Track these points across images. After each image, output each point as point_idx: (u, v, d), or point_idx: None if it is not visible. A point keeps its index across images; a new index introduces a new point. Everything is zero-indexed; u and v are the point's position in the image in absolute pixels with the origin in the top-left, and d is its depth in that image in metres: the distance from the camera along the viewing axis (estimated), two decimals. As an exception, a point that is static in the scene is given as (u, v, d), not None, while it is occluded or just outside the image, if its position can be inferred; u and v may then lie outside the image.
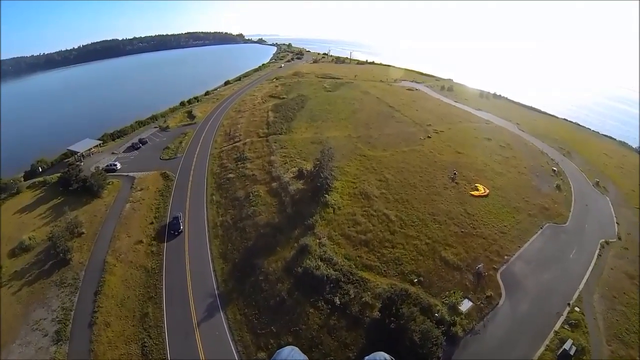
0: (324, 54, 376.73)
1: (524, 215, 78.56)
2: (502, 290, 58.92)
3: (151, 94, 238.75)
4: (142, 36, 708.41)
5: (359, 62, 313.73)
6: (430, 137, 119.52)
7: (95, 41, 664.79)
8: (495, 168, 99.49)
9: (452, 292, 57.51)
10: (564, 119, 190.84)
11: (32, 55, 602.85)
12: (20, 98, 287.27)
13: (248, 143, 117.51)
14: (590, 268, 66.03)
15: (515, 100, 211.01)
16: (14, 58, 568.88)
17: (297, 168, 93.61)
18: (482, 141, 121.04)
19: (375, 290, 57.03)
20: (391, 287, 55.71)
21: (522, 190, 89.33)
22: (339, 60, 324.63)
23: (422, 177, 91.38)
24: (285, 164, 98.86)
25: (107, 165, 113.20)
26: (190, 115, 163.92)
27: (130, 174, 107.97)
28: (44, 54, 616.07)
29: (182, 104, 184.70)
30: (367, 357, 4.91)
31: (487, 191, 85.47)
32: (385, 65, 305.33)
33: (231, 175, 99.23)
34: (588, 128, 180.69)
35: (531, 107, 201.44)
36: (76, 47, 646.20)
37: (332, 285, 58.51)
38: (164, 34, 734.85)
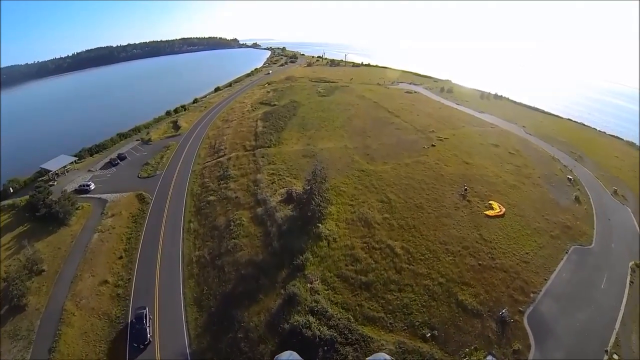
0: (319, 57, 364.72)
1: (546, 238, 67.65)
2: (531, 339, 48.08)
3: (138, 103, 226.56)
4: (136, 43, 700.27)
5: (355, 65, 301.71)
6: (434, 146, 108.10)
7: (89, 48, 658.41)
8: (508, 180, 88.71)
9: (472, 348, 46.22)
10: (568, 119, 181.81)
11: (26, 64, 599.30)
12: (4, 109, 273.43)
13: (233, 158, 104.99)
14: (624, 300, 56.42)
15: (517, 100, 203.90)
16: (8, 67, 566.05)
17: (285, 189, 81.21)
18: (490, 148, 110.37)
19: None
20: (399, 347, 44.99)
21: (540, 205, 78.79)
22: (333, 63, 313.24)
23: (429, 195, 79.48)
24: (272, 183, 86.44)
25: (80, 186, 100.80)
26: (175, 126, 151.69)
27: (104, 196, 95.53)
28: (37, 62, 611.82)
29: (168, 113, 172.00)
30: (368, 358, 6.58)
31: (503, 209, 74.23)
32: (381, 67, 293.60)
33: (212, 198, 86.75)
34: (594, 128, 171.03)
35: (534, 107, 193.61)
36: (70, 54, 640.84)
37: (326, 348, 45.93)
38: (158, 40, 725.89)
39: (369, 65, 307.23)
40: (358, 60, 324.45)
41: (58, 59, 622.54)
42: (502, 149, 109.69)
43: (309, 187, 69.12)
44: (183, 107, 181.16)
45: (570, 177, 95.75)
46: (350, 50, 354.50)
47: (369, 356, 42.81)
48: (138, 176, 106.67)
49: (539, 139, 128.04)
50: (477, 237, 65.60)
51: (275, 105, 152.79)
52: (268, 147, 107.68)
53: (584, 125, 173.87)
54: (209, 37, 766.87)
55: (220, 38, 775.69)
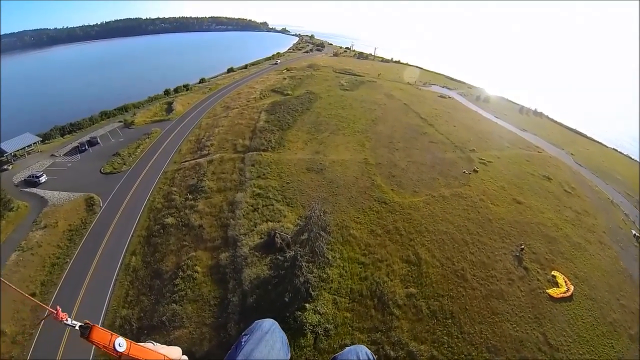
0: (347, 48, 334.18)
1: (624, 341, 44.41)
2: None
3: (142, 79, 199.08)
4: (166, 17, 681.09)
5: (383, 60, 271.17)
6: (476, 171, 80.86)
7: (118, 19, 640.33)
8: (570, 234, 63.05)
9: None
10: (614, 149, 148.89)
11: (55, 29, 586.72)
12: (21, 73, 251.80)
13: (216, 161, 78.52)
14: None
15: (557, 119, 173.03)
16: (36, 30, 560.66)
17: (268, 227, 54.10)
18: (542, 181, 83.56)
19: None
20: None
21: (613, 281, 54.45)
22: (361, 55, 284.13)
23: (475, 254, 53.28)
24: (254, 210, 59.61)
25: (29, 177, 78.66)
26: (169, 109, 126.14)
27: (49, 194, 72.72)
28: (66, 27, 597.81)
29: (167, 92, 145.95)
30: (347, 348, 3.70)
31: (571, 288, 49.85)
32: (412, 65, 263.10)
33: (170, 221, 60.55)
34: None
35: (575, 130, 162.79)
36: (99, 23, 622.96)
37: None
38: (188, 16, 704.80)
39: (399, 62, 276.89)
40: (388, 56, 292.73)
41: (86, 26, 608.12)
42: (555, 185, 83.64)
43: (295, 251, 41.60)
44: (186, 86, 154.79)
45: (635, 232, 71.64)
46: (380, 47, 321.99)
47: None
48: (100, 170, 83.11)
49: (591, 173, 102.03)
50: (540, 340, 41.55)
51: (288, 94, 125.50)
52: (264, 150, 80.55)
53: (630, 158, 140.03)
54: (239, 18, 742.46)
55: (249, 20, 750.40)
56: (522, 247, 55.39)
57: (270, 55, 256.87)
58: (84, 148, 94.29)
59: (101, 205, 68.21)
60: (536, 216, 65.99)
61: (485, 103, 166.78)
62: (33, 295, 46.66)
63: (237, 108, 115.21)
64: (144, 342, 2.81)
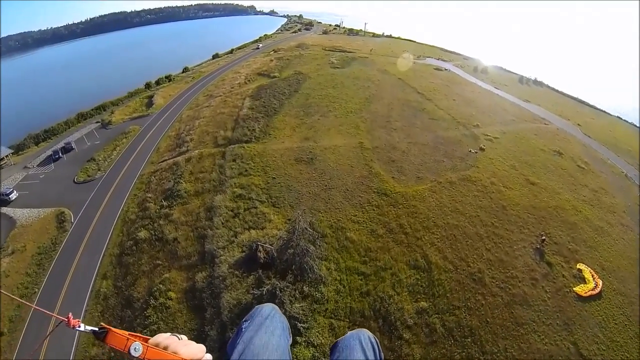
0: (336, 25, 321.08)
1: None
2: None
3: (124, 73, 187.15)
4: (151, 8, 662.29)
5: (375, 35, 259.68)
6: (483, 149, 72.55)
7: (103, 14, 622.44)
8: (590, 217, 55.82)
9: None
10: (618, 117, 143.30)
11: (40, 30, 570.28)
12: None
13: (194, 158, 69.94)
14: None
15: (558, 88, 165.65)
16: (20, 33, 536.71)
17: (250, 236, 45.92)
18: (553, 158, 75.62)
19: None
20: None
21: None
22: (351, 32, 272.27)
23: (491, 250, 45.70)
24: (235, 217, 51.38)
25: None
26: (149, 103, 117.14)
27: (18, 212, 65.41)
28: (51, 28, 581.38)
29: (148, 85, 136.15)
30: (349, 332, 3.99)
31: (599, 283, 42.84)
32: (405, 39, 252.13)
33: (143, 235, 52.44)
34: None
35: (578, 99, 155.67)
36: (83, 20, 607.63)
37: None
38: (173, 5, 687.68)
39: (390, 36, 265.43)
40: (379, 31, 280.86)
41: (71, 24, 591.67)
42: (567, 160, 76.02)
43: (273, 285, 33.75)
44: (168, 77, 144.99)
45: (655, 209, 63.42)
46: (371, 22, 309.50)
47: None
48: (74, 180, 75.12)
49: (601, 145, 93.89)
50: (572, 352, 34.81)
51: (275, 77, 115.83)
52: (247, 141, 71.78)
53: (635, 125, 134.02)
54: (225, 4, 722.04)
55: (236, 4, 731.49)
56: (544, 237, 47.69)
57: (257, 38, 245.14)
58: (57, 156, 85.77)
59: (72, 220, 60.56)
60: (553, 198, 58.51)
61: (483, 74, 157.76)
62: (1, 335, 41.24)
63: (220, 96, 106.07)
64: (168, 334, 2.62)
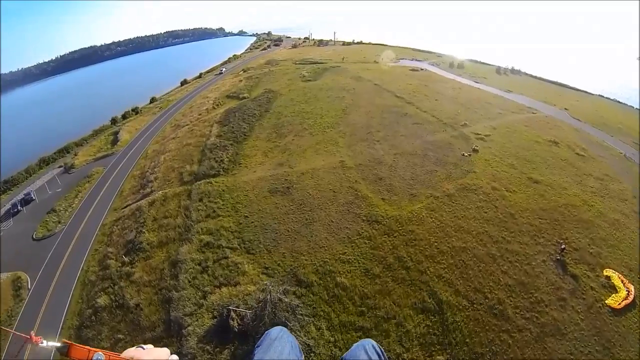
0: (305, 38, 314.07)
1: None
2: None
3: (91, 110, 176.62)
4: (121, 40, 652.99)
5: (345, 43, 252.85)
6: (477, 150, 65.48)
7: (73, 50, 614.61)
8: (603, 210, 49.80)
9: None
10: (599, 95, 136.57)
11: (11, 72, 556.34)
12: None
13: (158, 201, 61.25)
14: None
15: (536, 74, 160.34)
16: None
17: (222, 296, 37.53)
18: (550, 148, 69.31)
19: None
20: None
21: None
22: (321, 42, 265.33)
23: (509, 272, 38.53)
24: (202, 272, 42.75)
25: None
26: (114, 140, 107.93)
27: None
28: (22, 68, 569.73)
29: (114, 121, 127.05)
30: (354, 345, 4.07)
31: (631, 289, 36.31)
32: (376, 44, 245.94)
33: (102, 301, 43.70)
34: (631, 106, 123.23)
35: (557, 82, 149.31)
36: (54, 58, 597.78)
37: None
38: (143, 35, 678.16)
39: (361, 42, 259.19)
40: (349, 39, 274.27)
41: (42, 63, 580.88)
42: (565, 149, 69.73)
43: None
44: (135, 110, 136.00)
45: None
46: (340, 30, 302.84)
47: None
48: (33, 236, 65.58)
49: (593, 128, 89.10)
50: None
51: (244, 98, 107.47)
52: (215, 175, 63.15)
53: (618, 102, 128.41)
54: (194, 28, 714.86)
55: (205, 28, 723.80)
56: (563, 246, 40.54)
57: (226, 59, 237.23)
58: (16, 209, 76.22)
59: (29, 286, 51.74)
60: (561, 196, 51.62)
61: (460, 69, 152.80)
62: None
63: (187, 125, 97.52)
64: (134, 346, 2.73)
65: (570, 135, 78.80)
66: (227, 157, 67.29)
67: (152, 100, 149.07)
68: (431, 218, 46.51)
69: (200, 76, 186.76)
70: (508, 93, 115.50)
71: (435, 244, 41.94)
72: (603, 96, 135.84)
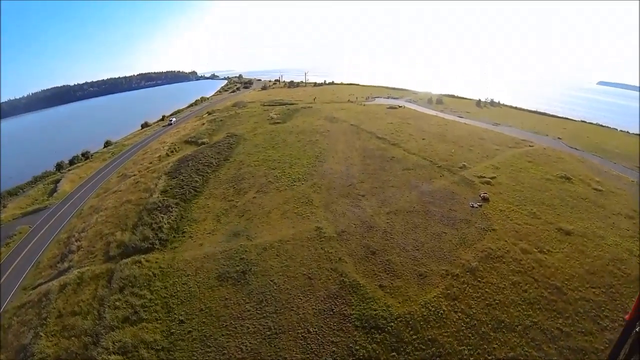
0: (276, 80, 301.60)
1: None
2: None
3: (39, 153, 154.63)
4: (94, 81, 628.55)
5: (317, 85, 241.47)
6: (487, 199, 51.95)
7: (45, 88, 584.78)
8: None
9: None
10: (582, 121, 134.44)
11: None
12: None
13: (71, 285, 42.74)
14: None
15: (514, 105, 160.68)
16: None
17: None
18: (564, 186, 58.86)
19: None
20: None
21: None
22: (292, 84, 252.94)
23: None
24: None
25: None
26: (53, 189, 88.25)
27: None
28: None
29: (59, 167, 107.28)
30: None
31: None
32: (347, 84, 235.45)
33: None
34: (614, 128, 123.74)
35: (537, 111, 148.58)
36: (25, 95, 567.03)
37: None
38: (116, 77, 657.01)
39: (332, 83, 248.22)
40: (320, 80, 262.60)
41: (13, 100, 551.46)
42: (580, 185, 59.84)
43: None
44: (85, 155, 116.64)
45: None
46: (311, 73, 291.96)
47: None
48: None
49: (593, 155, 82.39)
50: None
51: (203, 143, 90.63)
52: (149, 249, 45.30)
53: (600, 125, 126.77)
54: (167, 71, 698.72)
55: (178, 71, 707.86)
56: (638, 328, 23.56)
57: (193, 101, 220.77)
58: None
59: None
60: (602, 249, 40.77)
61: (440, 105, 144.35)
62: None
63: (134, 175, 79.81)
64: None
65: (578, 168, 69.17)
66: (168, 223, 49.69)
67: (107, 144, 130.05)
68: (455, 312, 30.69)
69: (163, 119, 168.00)
70: (496, 126, 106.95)
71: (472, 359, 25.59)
72: (585, 121, 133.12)
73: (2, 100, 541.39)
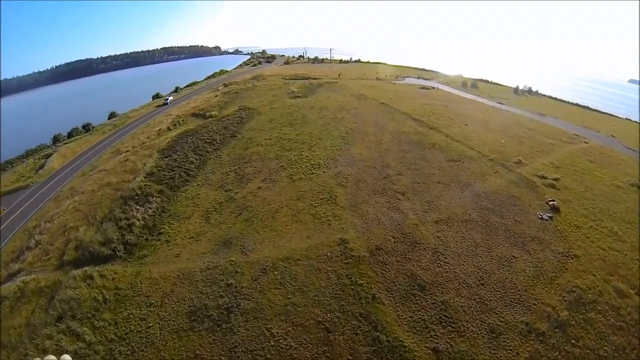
0: (300, 56, 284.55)
1: None
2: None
3: (50, 126, 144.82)
4: (117, 54, 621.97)
5: (342, 61, 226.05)
6: (558, 210, 38.38)
7: (69, 61, 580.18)
8: None
9: None
10: (627, 119, 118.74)
11: (5, 79, 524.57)
12: None
13: (10, 299, 30.86)
14: None
15: (555, 96, 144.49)
16: None
17: None
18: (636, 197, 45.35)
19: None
20: None
21: None
22: (316, 60, 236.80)
23: None
24: None
25: None
26: (41, 165, 77.05)
27: None
28: (16, 77, 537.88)
29: (55, 139, 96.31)
30: None
31: None
32: (374, 62, 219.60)
33: None
34: None
35: (578, 104, 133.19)
36: (49, 68, 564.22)
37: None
38: (139, 50, 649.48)
39: (358, 61, 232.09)
40: (346, 57, 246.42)
41: (37, 73, 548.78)
42: None
43: None
44: (86, 127, 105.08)
45: None
46: (336, 51, 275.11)
47: None
48: None
49: None
50: None
51: (211, 116, 77.78)
52: (108, 258, 33.23)
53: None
54: (190, 46, 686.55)
55: (201, 46, 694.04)
56: None
57: (211, 73, 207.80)
58: None
59: None
60: None
61: (474, 89, 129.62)
62: None
63: (127, 151, 67.98)
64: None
65: (644, 173, 55.23)
66: (143, 220, 37.35)
67: (111, 115, 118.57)
68: None
69: (176, 90, 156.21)
70: (542, 117, 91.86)
71: None
72: (630, 120, 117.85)
73: (26, 73, 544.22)
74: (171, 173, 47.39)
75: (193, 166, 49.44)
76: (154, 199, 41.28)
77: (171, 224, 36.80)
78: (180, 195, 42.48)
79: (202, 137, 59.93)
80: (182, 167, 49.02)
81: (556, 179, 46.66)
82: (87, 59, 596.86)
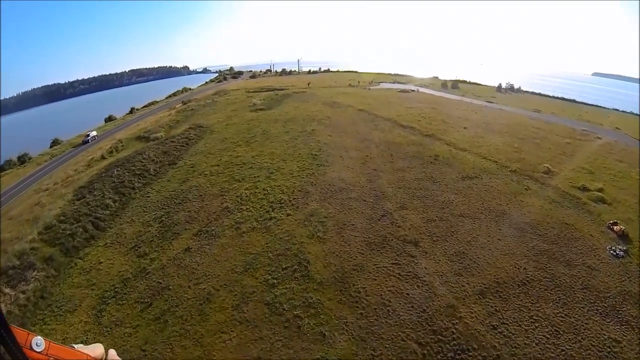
0: (267, 70, 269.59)
1: None
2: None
3: None
4: (84, 78, 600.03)
5: (311, 72, 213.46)
6: (628, 237, 24.99)
7: (35, 87, 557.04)
8: None
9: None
10: (614, 109, 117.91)
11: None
12: None
13: None
14: None
15: (533, 91, 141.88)
16: None
17: None
18: None
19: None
20: None
21: None
22: (284, 72, 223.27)
23: None
24: None
25: None
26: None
27: None
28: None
29: (-17, 175, 78.72)
30: None
31: None
32: (345, 71, 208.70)
33: None
34: None
35: (563, 98, 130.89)
36: (15, 95, 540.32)
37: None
38: (107, 73, 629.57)
39: (328, 70, 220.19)
40: (315, 68, 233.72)
41: (3, 99, 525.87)
42: None
43: None
44: (21, 158, 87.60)
45: None
46: (304, 62, 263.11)
47: None
48: None
49: None
50: None
51: (156, 138, 62.61)
52: None
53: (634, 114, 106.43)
54: (159, 67, 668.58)
55: (170, 67, 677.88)
56: None
57: (171, 93, 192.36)
58: None
59: None
60: None
61: (456, 90, 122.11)
62: None
63: (47, 189, 52.11)
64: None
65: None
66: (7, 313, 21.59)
67: (54, 143, 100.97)
68: None
69: (131, 112, 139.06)
70: (540, 114, 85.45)
71: None
72: (618, 110, 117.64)
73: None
74: (75, 225, 32.04)
75: (108, 212, 34.14)
76: (35, 274, 25.82)
77: (43, 322, 21.51)
78: (76, 264, 27.26)
79: (132, 168, 44.53)
80: (92, 215, 33.70)
81: (600, 190, 35.72)
82: (55, 83, 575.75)
